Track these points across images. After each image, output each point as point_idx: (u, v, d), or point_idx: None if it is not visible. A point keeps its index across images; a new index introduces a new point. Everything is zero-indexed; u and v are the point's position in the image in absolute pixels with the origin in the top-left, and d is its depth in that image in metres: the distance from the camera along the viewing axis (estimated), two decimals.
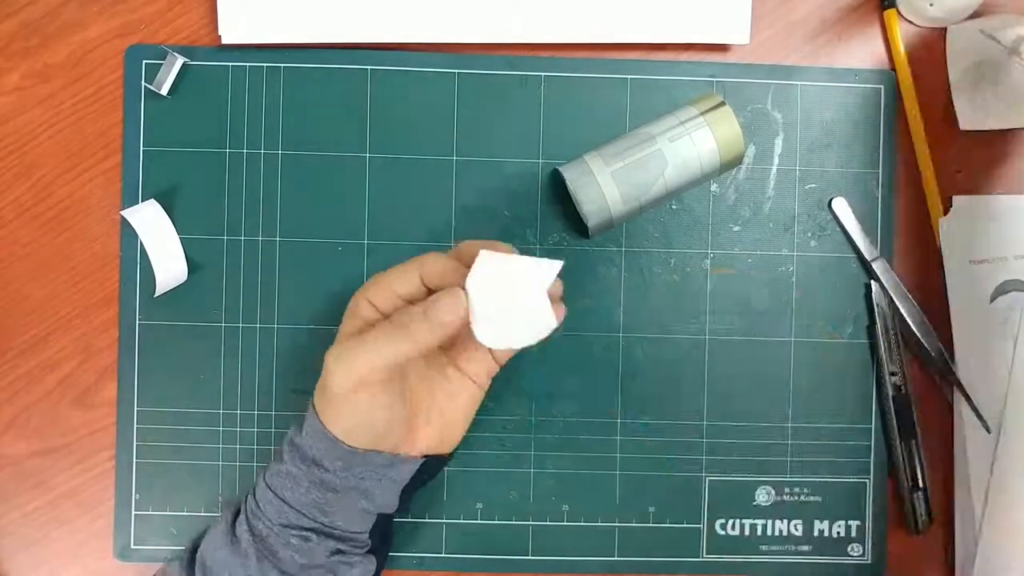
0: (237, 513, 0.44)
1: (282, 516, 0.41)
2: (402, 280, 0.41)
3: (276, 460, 0.43)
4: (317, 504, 0.41)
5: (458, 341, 0.44)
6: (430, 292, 0.40)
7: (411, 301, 0.40)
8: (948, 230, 0.51)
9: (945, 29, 0.52)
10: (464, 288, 0.38)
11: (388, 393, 0.40)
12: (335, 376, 0.39)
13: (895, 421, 0.51)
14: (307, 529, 0.42)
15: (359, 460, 0.41)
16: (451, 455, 0.46)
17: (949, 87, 0.52)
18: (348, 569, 0.43)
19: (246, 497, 0.44)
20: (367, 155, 0.51)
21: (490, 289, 0.38)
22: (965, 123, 0.52)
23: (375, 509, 0.43)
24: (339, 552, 0.43)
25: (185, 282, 0.50)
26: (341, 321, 0.42)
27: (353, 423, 0.40)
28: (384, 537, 0.45)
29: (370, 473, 0.42)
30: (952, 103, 0.52)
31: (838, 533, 0.52)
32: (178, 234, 0.50)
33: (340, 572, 0.43)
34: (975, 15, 0.52)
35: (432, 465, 0.45)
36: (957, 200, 0.52)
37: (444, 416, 0.44)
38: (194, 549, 0.44)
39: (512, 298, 0.38)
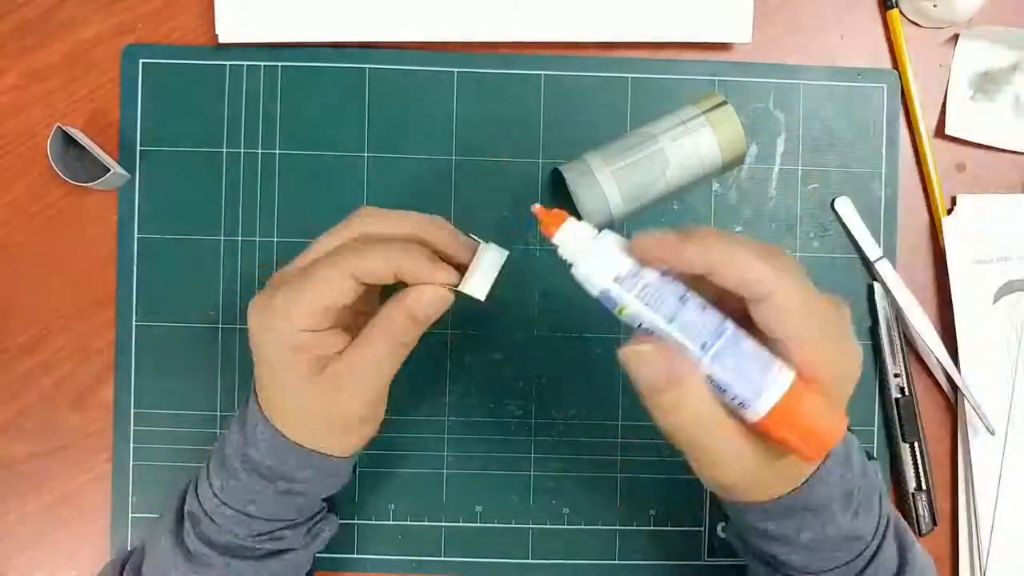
0: (177, 527, 0.42)
1: (253, 529, 0.41)
2: (336, 292, 0.36)
3: (224, 474, 0.41)
4: (287, 509, 0.42)
5: None
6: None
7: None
8: (952, 230, 0.51)
9: (949, 28, 0.51)
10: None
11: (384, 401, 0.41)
12: (353, 404, 0.38)
13: (898, 423, 0.50)
14: (280, 530, 0.42)
15: (329, 464, 0.41)
16: None
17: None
18: (321, 533, 0.45)
19: (184, 511, 0.42)
20: (365, 155, 0.50)
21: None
22: (952, 129, 0.51)
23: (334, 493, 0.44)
24: (309, 530, 0.44)
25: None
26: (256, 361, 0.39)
27: (357, 440, 0.41)
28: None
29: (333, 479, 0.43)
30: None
31: None
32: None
33: (317, 541, 0.45)
34: (976, 18, 0.51)
35: None
36: (961, 200, 0.51)
37: None
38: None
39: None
